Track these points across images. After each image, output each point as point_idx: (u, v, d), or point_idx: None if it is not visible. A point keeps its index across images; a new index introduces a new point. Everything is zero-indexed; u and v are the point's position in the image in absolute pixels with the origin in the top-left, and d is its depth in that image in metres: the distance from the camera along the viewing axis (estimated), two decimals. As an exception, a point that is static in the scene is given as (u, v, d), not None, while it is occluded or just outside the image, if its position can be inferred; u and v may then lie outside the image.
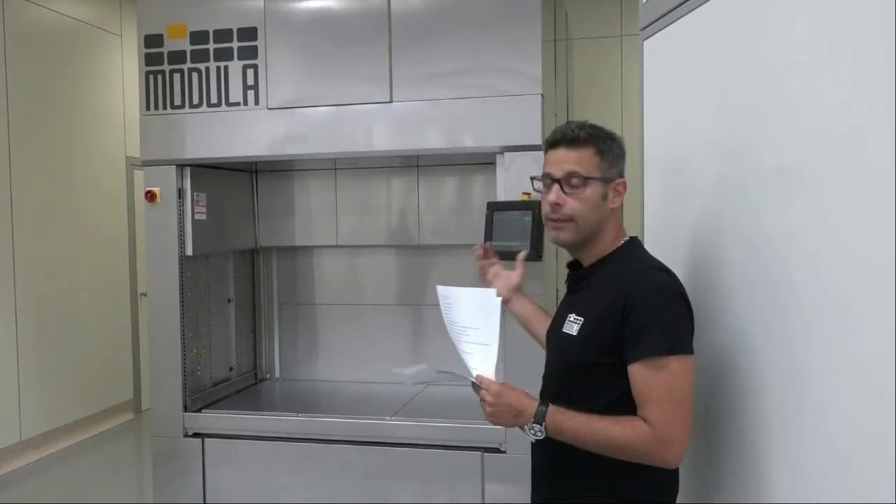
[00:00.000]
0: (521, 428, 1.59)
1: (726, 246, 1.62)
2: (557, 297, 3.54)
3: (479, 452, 2.95)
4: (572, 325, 1.62)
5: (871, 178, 1.14)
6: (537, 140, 2.86)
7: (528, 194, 2.84)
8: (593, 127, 1.65)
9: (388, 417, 3.07)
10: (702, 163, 1.76)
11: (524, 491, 2.87)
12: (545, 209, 1.67)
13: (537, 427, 1.55)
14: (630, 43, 5.98)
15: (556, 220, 1.64)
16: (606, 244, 1.66)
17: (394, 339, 3.70)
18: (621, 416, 1.52)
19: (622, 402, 1.53)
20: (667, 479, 1.60)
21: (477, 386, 1.63)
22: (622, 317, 1.52)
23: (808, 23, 1.33)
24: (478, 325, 1.65)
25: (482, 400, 1.61)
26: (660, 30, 1.99)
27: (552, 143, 1.67)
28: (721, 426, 1.63)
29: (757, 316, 1.48)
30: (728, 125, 1.64)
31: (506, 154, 2.92)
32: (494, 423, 1.63)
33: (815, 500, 1.28)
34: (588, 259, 1.68)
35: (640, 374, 1.50)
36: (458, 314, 1.69)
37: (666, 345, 1.49)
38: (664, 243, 1.70)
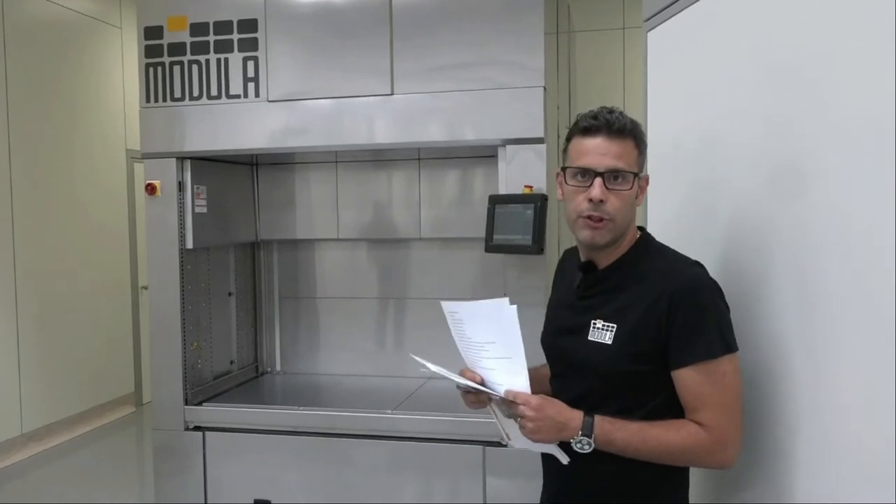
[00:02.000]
0: (561, 445, 1.48)
1: (756, 244, 1.56)
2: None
3: (481, 446, 2.94)
4: (603, 333, 1.50)
5: (885, 171, 1.12)
6: (539, 133, 2.85)
7: (531, 187, 2.83)
8: (624, 114, 1.51)
9: (390, 411, 3.07)
10: (714, 157, 1.74)
11: (526, 484, 2.88)
12: (579, 206, 1.50)
13: (585, 440, 1.43)
14: (632, 35, 5.95)
15: (594, 220, 1.49)
16: (626, 242, 1.55)
17: (395, 333, 3.69)
18: (672, 421, 1.45)
19: (664, 408, 1.47)
20: (680, 479, 1.55)
21: (509, 402, 1.48)
22: (667, 319, 1.43)
23: (816, 12, 1.32)
24: (495, 339, 1.49)
25: (519, 416, 1.46)
26: (664, 21, 1.97)
27: (588, 130, 1.49)
28: (754, 428, 1.57)
29: (789, 317, 1.43)
30: (735, 118, 1.63)
31: (508, 147, 2.90)
32: (535, 440, 1.47)
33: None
34: (606, 259, 1.56)
35: (693, 379, 1.42)
36: (471, 330, 1.53)
37: (718, 346, 1.42)
38: (679, 239, 1.63)
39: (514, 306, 1.46)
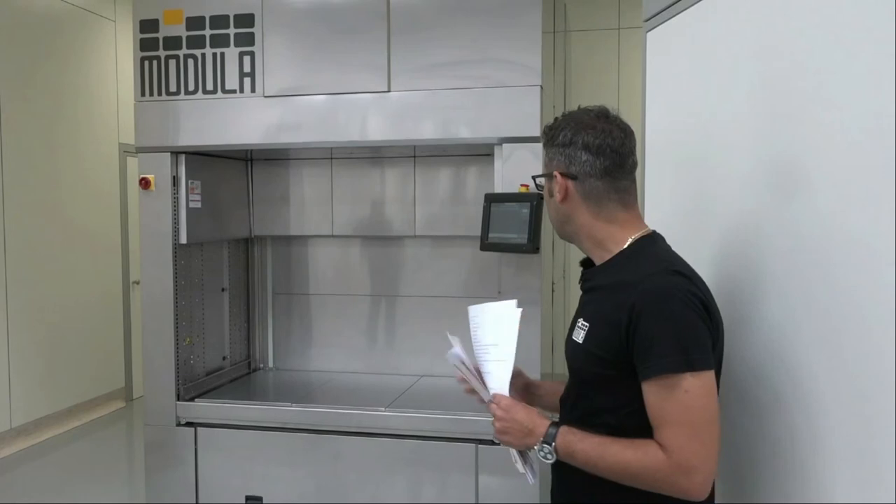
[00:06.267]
0: (528, 451, 1.46)
1: (753, 245, 1.54)
2: (553, 291, 3.53)
3: (474, 444, 2.95)
4: (580, 332, 1.46)
5: (883, 173, 1.12)
6: (536, 132, 2.85)
7: (527, 186, 2.83)
8: (554, 120, 1.53)
9: (383, 408, 3.06)
10: (712, 158, 1.74)
11: (518, 483, 2.88)
12: None
13: (547, 448, 1.38)
14: (627, 36, 5.97)
15: None
16: (599, 243, 1.49)
17: (388, 330, 3.69)
18: (636, 440, 1.34)
19: (637, 417, 1.36)
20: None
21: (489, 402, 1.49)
22: (628, 327, 1.34)
23: (816, 15, 1.32)
24: (497, 342, 1.49)
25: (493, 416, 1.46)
26: (663, 21, 1.97)
27: None
28: (755, 441, 1.51)
29: (796, 321, 1.37)
30: (734, 119, 1.63)
31: (504, 146, 2.90)
32: (504, 443, 1.45)
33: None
34: (596, 259, 1.53)
35: (653, 394, 1.32)
36: (482, 332, 1.52)
37: (678, 360, 1.29)
38: (675, 239, 1.62)
39: (520, 309, 1.43)
